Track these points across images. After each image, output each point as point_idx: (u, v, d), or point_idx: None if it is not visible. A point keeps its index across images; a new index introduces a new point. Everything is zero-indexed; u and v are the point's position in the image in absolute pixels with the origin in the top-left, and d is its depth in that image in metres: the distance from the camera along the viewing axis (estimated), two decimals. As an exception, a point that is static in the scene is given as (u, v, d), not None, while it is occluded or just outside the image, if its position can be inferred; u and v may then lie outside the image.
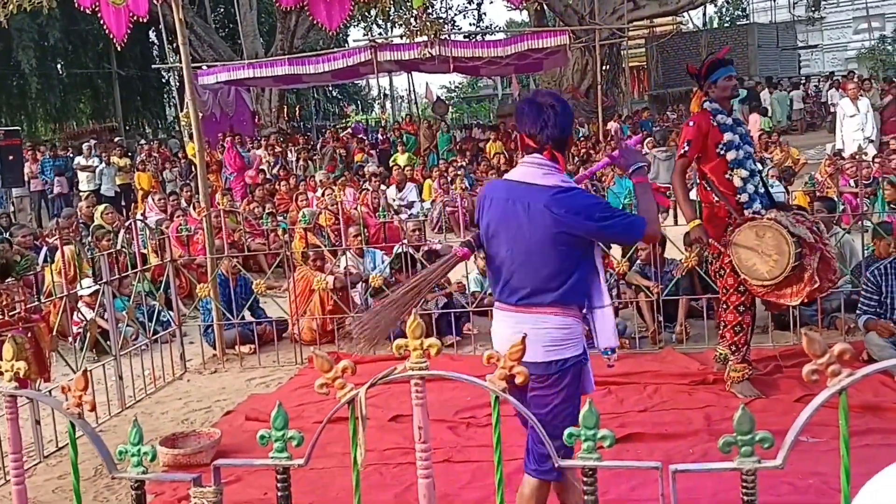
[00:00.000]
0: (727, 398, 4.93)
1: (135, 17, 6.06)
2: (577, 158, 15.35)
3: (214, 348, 6.72)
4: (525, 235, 2.80)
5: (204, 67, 19.69)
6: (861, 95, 12.55)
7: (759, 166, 5.06)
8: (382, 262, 7.53)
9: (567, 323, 2.83)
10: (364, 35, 23.96)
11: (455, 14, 25.64)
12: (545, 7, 21.60)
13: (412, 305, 2.88)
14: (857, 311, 5.55)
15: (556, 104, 2.85)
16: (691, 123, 4.86)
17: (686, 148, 4.79)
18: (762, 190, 4.89)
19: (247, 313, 6.84)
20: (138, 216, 10.52)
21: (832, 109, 14.72)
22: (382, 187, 12.76)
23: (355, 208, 9.86)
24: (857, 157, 6.86)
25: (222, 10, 29.05)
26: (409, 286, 2.89)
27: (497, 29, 28.43)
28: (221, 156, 16.50)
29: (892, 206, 7.57)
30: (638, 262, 6.67)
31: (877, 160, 10.08)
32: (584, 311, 2.94)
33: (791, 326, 5.90)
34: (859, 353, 5.27)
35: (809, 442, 4.18)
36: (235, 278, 6.90)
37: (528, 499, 2.93)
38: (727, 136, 4.76)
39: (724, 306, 4.94)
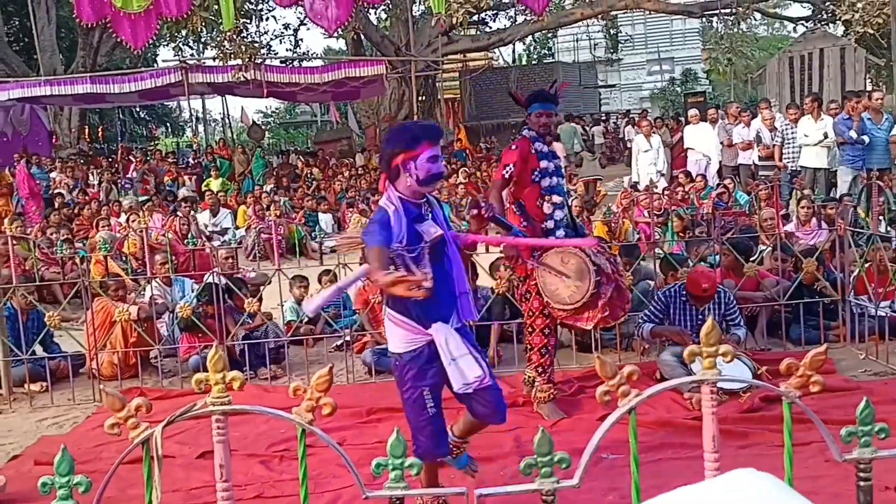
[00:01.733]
0: (535, 419, 5.10)
1: None
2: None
3: (0, 387, 6.14)
4: None
5: (-6, 82, 18.16)
6: (653, 132, 13.60)
7: (566, 199, 5.32)
8: (192, 290, 7.22)
9: (390, 323, 3.42)
10: (175, 55, 23.04)
11: (271, 38, 25.25)
12: (362, 37, 21.82)
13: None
14: (639, 320, 5.94)
15: (385, 135, 3.49)
16: (514, 147, 5.02)
17: (510, 169, 4.93)
18: (568, 219, 5.14)
19: (38, 348, 6.31)
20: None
21: (629, 145, 15.86)
22: (192, 213, 12.25)
23: (163, 234, 9.40)
24: (649, 189, 7.38)
25: (17, 22, 26.95)
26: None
27: (314, 56, 28.32)
28: (13, 178, 15.21)
29: (679, 235, 8.22)
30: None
31: (666, 193, 10.96)
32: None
33: (592, 349, 6.23)
34: (653, 373, 5.65)
35: (609, 458, 4.41)
36: (27, 311, 6.36)
37: None
38: (543, 164, 4.97)
39: (530, 329, 5.13)
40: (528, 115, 5.05)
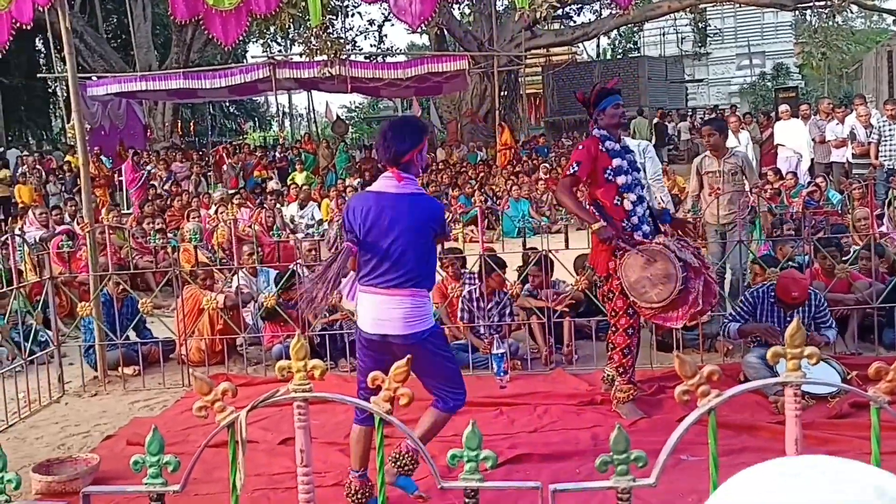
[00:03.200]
0: (614, 418, 5.05)
1: (18, 24, 5.73)
2: (474, 181, 15.58)
3: (96, 370, 6.44)
4: (391, 234, 3.54)
5: (94, 78, 18.99)
6: (742, 129, 13.22)
7: (646, 193, 5.23)
8: (275, 282, 7.40)
9: (421, 300, 3.63)
10: (263, 51, 23.62)
11: (356, 35, 25.61)
12: (445, 32, 21.92)
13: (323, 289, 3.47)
14: (726, 320, 5.81)
15: (388, 131, 3.69)
16: (581, 147, 5.00)
17: (575, 168, 4.87)
18: (649, 216, 5.06)
19: (131, 333, 6.58)
20: (16, 230, 9.98)
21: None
22: (278, 206, 12.56)
23: (250, 226, 9.67)
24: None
25: (115, 20, 28.13)
26: (317, 273, 3.50)
27: (398, 51, 28.64)
28: (108, 170, 15.92)
29: (768, 235, 7.99)
30: (528, 285, 6.80)
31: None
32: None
33: (674, 349, 6.12)
34: (736, 375, 5.52)
35: (689, 460, 4.34)
36: (121, 298, 6.64)
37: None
38: (616, 162, 4.90)
39: (614, 329, 5.06)
40: (599, 112, 4.96)
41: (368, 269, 3.60)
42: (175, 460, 1.69)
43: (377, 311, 3.59)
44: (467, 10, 24.74)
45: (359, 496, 3.78)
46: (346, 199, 12.79)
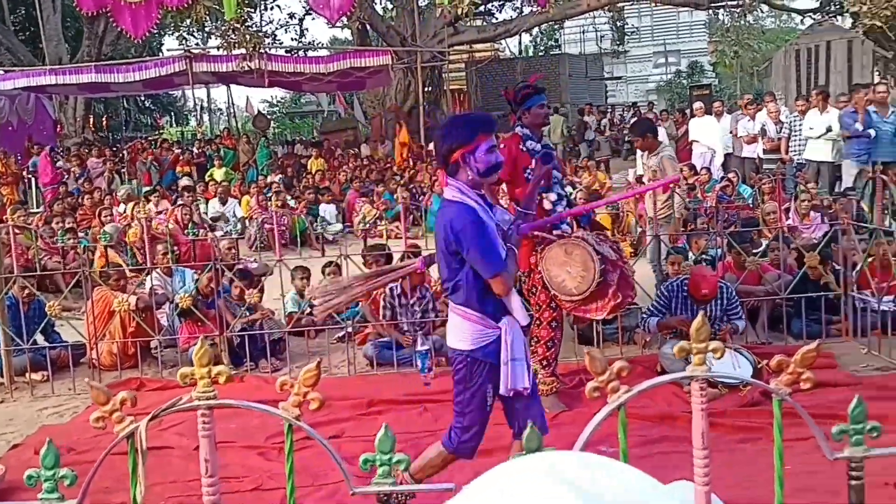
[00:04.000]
0: (538, 413, 5.11)
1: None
2: (399, 177, 15.54)
3: (1, 376, 6.15)
4: (438, 242, 3.32)
5: (0, 72, 18.17)
6: (659, 125, 13.54)
7: (567, 190, 5.30)
8: (193, 281, 7.22)
9: (458, 320, 3.29)
10: (179, 44, 23.01)
11: (276, 28, 25.20)
12: (368, 27, 21.76)
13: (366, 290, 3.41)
14: (643, 315, 5.94)
15: (440, 128, 3.40)
16: (502, 146, 5.01)
17: None
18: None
19: (39, 337, 6.32)
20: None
21: (634, 137, 15.81)
22: (195, 203, 12.25)
23: (164, 224, 9.40)
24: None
25: (23, 11, 26.96)
26: (369, 274, 3.47)
27: (319, 45, 28.28)
28: (15, 167, 15.28)
29: (682, 228, 8.19)
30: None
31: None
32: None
33: (594, 342, 6.21)
34: (654, 366, 5.65)
35: (609, 451, 4.40)
36: (28, 301, 6.37)
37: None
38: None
39: (538, 322, 5.11)
40: (523, 111, 4.99)
41: None
42: (72, 474, 1.61)
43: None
44: (390, 6, 24.64)
45: None
46: (268, 196, 12.61)
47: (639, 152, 12.71)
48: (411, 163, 17.05)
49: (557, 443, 3.66)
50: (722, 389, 5.10)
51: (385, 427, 1.65)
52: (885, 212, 6.63)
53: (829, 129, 10.81)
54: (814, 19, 20.16)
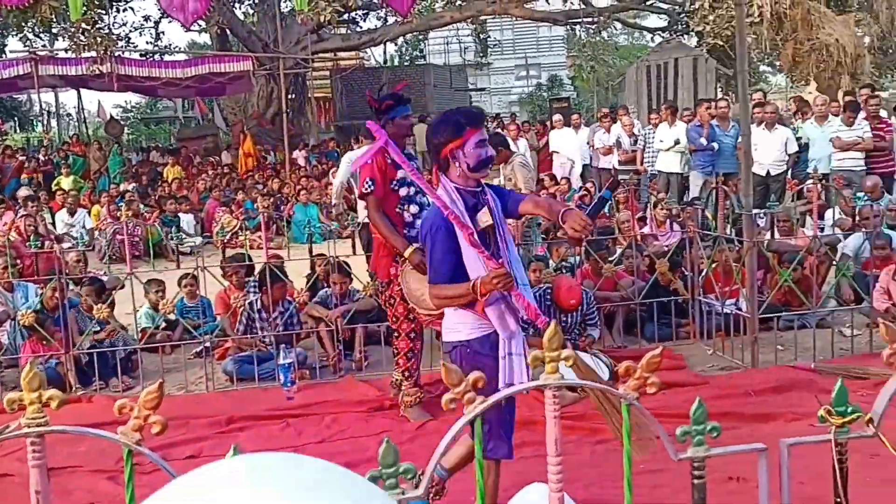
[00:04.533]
0: (403, 422, 5.09)
1: None
2: (261, 185, 15.18)
3: None
4: None
5: None
6: (521, 136, 13.89)
7: (428, 200, 5.31)
8: (36, 295, 6.76)
9: (451, 311, 3.27)
10: (24, 46, 21.62)
11: (130, 31, 24.07)
12: (228, 32, 21.21)
13: None
14: None
15: (429, 127, 3.34)
16: (369, 161, 4.96)
17: (370, 185, 4.86)
18: None
19: None
20: None
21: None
22: (40, 213, 11.51)
23: (6, 236, 8.77)
24: (527, 189, 7.51)
25: None
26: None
27: (177, 49, 27.24)
28: None
29: (543, 237, 8.41)
30: (323, 291, 6.70)
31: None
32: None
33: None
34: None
35: (472, 459, 4.44)
36: None
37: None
38: (400, 173, 4.93)
39: (396, 334, 5.11)
40: (388, 120, 4.97)
41: None
42: None
43: None
44: (251, 11, 24.09)
45: None
46: (120, 205, 12.02)
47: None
48: (270, 173, 16.73)
49: (422, 451, 3.66)
50: (582, 393, 5.25)
51: (234, 448, 1.58)
52: (727, 220, 7.06)
53: (676, 142, 11.42)
54: (663, 37, 21.29)
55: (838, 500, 1.72)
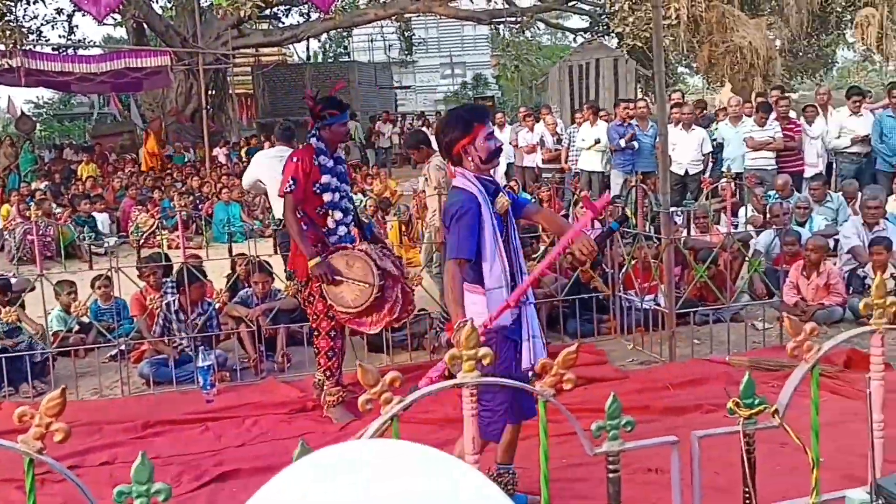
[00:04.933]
0: (325, 423, 5.04)
1: None
2: (180, 183, 14.82)
3: None
4: None
5: None
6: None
7: (353, 203, 5.28)
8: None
9: (476, 297, 3.36)
10: (-75, 37, 20.54)
11: (42, 24, 23.15)
12: (145, 26, 20.64)
13: None
14: (438, 323, 6.08)
15: (439, 123, 3.62)
16: (295, 159, 4.89)
17: (292, 185, 4.80)
18: (353, 230, 5.09)
19: None
20: None
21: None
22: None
23: None
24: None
25: None
26: None
27: (91, 44, 26.31)
28: None
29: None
30: (244, 291, 6.59)
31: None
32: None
33: (384, 349, 6.24)
34: (444, 370, 5.75)
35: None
36: None
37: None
38: (325, 178, 4.88)
39: (317, 333, 5.06)
40: (326, 125, 4.91)
41: None
42: None
43: None
44: (168, 4, 23.47)
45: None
46: (30, 204, 11.56)
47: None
48: (190, 170, 16.37)
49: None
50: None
51: (142, 455, 1.53)
52: (646, 218, 7.22)
53: (597, 141, 11.61)
54: (585, 38, 21.65)
55: (746, 489, 1.77)
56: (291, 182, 4.79)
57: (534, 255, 7.31)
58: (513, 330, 3.42)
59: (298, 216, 4.87)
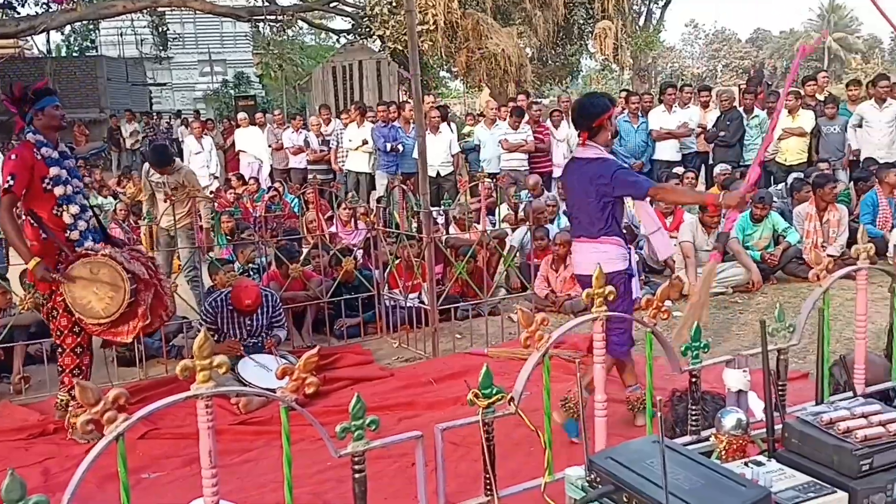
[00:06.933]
0: (69, 447, 4.66)
1: None
2: None
3: None
4: (579, 193, 4.19)
5: None
6: (206, 134, 13.39)
7: (90, 201, 4.91)
8: None
9: (613, 248, 4.13)
10: None
11: None
12: None
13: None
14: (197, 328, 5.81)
15: (576, 105, 4.42)
16: (14, 157, 4.48)
17: (10, 182, 4.39)
18: (94, 225, 4.75)
19: None
20: None
21: (181, 146, 15.34)
22: None
23: None
24: (209, 191, 7.26)
25: None
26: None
27: None
28: None
29: (228, 238, 8.17)
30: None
31: (220, 196, 10.88)
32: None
33: (136, 361, 5.87)
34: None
35: (151, 477, 4.19)
36: None
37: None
38: (53, 171, 4.50)
39: (61, 350, 4.66)
40: (37, 112, 4.51)
41: (571, 222, 4.47)
42: None
43: (575, 255, 4.38)
44: None
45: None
46: None
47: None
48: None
49: (91, 476, 3.35)
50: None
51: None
52: (408, 217, 7.37)
53: (364, 142, 11.72)
54: (348, 39, 21.74)
55: (487, 474, 1.83)
56: (10, 178, 4.37)
57: (296, 258, 7.21)
58: (631, 267, 4.22)
59: (33, 226, 4.46)
